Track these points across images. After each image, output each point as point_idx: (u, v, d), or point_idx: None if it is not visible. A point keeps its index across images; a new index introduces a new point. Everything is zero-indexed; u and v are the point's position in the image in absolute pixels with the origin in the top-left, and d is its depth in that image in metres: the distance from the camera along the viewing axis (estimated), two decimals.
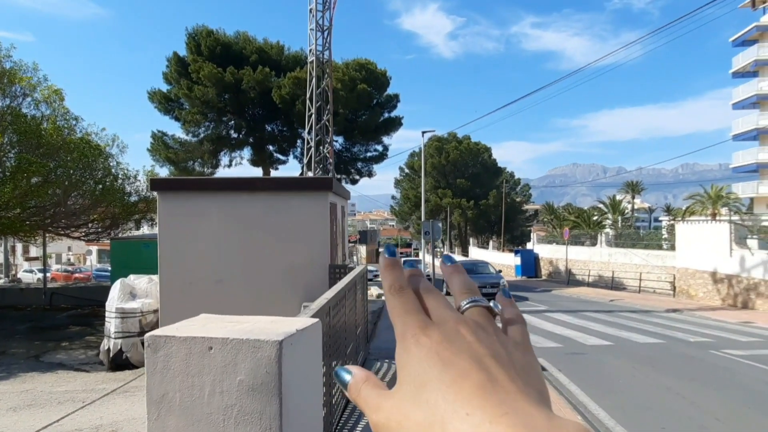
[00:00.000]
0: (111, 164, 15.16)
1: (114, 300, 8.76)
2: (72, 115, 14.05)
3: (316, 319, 2.44)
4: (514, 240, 57.94)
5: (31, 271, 39.17)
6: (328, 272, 8.67)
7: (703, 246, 20.15)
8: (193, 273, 8.70)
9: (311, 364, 2.34)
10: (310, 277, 8.66)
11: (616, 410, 6.29)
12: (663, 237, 30.33)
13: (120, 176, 15.47)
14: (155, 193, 9.98)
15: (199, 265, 8.73)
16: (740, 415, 6.20)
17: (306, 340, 2.26)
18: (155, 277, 9.22)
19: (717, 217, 31.06)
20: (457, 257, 54.06)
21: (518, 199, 61.96)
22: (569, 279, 29.64)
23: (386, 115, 30.00)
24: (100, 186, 13.66)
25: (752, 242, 18.59)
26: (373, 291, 20.09)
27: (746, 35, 41.82)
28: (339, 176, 30.43)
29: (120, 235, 17.06)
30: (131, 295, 8.90)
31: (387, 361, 8.04)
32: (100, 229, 15.84)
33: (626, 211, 53.63)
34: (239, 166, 31.29)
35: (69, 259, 59.86)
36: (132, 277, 9.43)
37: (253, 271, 8.70)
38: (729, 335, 11.97)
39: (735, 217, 27.73)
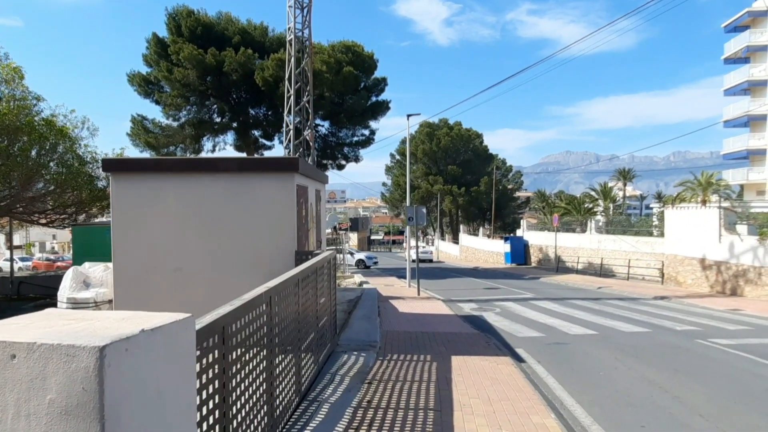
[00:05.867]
0: (78, 147, 14.45)
1: (66, 289, 8.20)
2: (33, 94, 13.33)
3: (186, 315, 1.90)
4: (506, 227, 57.61)
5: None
6: (295, 259, 8.14)
7: (692, 232, 19.82)
8: (149, 261, 8.14)
9: (171, 376, 1.80)
10: (275, 265, 8.11)
11: (594, 406, 5.85)
12: (653, 224, 30.02)
13: (88, 159, 14.79)
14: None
15: (155, 252, 8.16)
16: (725, 410, 5.78)
17: (160, 343, 1.72)
18: (111, 265, 8.65)
19: (707, 204, 30.78)
20: (448, 244, 53.71)
21: (510, 186, 61.58)
22: (558, 266, 29.35)
23: (373, 98, 29.31)
24: (63, 170, 12.99)
25: (741, 228, 18.26)
26: (356, 279, 19.61)
27: (738, 21, 41.32)
28: (325, 161, 29.80)
29: (92, 221, 16.39)
30: (84, 284, 8.35)
31: (356, 353, 7.56)
32: (64, 216, 15.18)
33: (617, 198, 53.37)
34: (223, 151, 30.57)
35: (53, 248, 58.95)
36: (87, 264, 8.86)
37: (214, 259, 8.16)
38: (716, 323, 11.62)
39: (725, 204, 27.44)
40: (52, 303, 15.77)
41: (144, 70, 28.19)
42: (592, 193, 49.12)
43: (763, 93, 38.89)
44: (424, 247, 46.96)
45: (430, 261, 41.86)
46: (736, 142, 42.41)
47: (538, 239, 34.13)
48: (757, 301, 16.07)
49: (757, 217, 21.02)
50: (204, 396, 2.53)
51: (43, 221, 15.81)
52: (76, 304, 8.21)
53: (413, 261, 18.36)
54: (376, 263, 34.14)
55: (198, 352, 2.38)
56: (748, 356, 8.33)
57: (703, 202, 33.32)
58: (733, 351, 8.71)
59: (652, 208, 64.53)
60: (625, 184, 62.19)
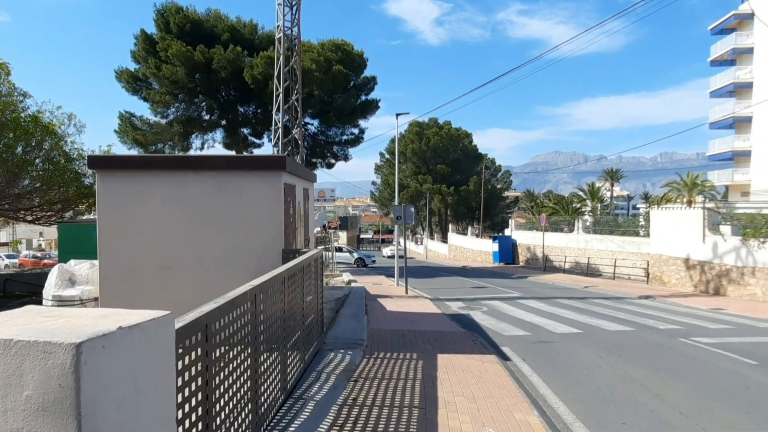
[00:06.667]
0: (64, 144, 14.29)
1: (51, 287, 8.13)
2: (20, 90, 13.16)
3: (165, 312, 1.92)
4: (495, 227, 57.92)
5: None
6: (282, 257, 8.14)
7: (676, 232, 20.08)
8: (135, 258, 8.10)
9: (150, 373, 1.82)
10: (263, 263, 8.11)
11: (576, 403, 5.93)
12: (640, 224, 30.35)
13: (75, 156, 14.63)
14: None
15: (142, 250, 8.12)
16: (705, 408, 5.90)
17: (138, 341, 1.74)
18: (97, 263, 8.59)
19: (693, 205, 31.19)
20: (437, 243, 53.87)
21: (499, 186, 61.89)
22: (546, 265, 29.57)
23: (363, 97, 29.31)
24: (50, 166, 12.83)
25: (725, 228, 18.54)
26: (344, 277, 19.61)
27: (725, 23, 41.82)
28: (314, 160, 29.75)
29: (78, 218, 16.23)
30: (70, 281, 8.28)
31: (342, 351, 7.59)
32: (50, 213, 15.02)
33: (605, 198, 53.86)
34: (212, 149, 30.40)
35: (40, 245, 58.21)
36: (72, 262, 8.79)
37: (201, 257, 8.13)
38: (699, 322, 11.80)
39: (710, 205, 27.84)
40: (39, 300, 15.59)
41: (132, 66, 27.97)
42: (580, 193, 49.58)
43: (749, 95, 39.45)
44: (400, 246, 47.68)
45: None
46: (722, 143, 42.96)
47: (526, 239, 34.36)
48: (739, 300, 16.34)
49: (740, 218, 21.36)
50: (186, 393, 2.55)
51: (29, 218, 15.61)
52: (61, 302, 8.14)
53: (401, 258, 18.42)
54: (374, 262, 35.00)
55: (180, 350, 2.40)
56: (729, 355, 8.48)
57: (689, 203, 33.77)
58: (715, 350, 8.86)
59: (638, 209, 65.28)
60: (612, 185, 62.78)
